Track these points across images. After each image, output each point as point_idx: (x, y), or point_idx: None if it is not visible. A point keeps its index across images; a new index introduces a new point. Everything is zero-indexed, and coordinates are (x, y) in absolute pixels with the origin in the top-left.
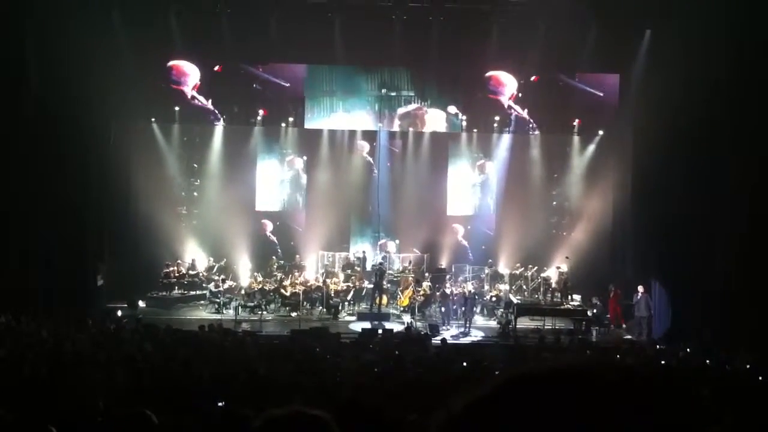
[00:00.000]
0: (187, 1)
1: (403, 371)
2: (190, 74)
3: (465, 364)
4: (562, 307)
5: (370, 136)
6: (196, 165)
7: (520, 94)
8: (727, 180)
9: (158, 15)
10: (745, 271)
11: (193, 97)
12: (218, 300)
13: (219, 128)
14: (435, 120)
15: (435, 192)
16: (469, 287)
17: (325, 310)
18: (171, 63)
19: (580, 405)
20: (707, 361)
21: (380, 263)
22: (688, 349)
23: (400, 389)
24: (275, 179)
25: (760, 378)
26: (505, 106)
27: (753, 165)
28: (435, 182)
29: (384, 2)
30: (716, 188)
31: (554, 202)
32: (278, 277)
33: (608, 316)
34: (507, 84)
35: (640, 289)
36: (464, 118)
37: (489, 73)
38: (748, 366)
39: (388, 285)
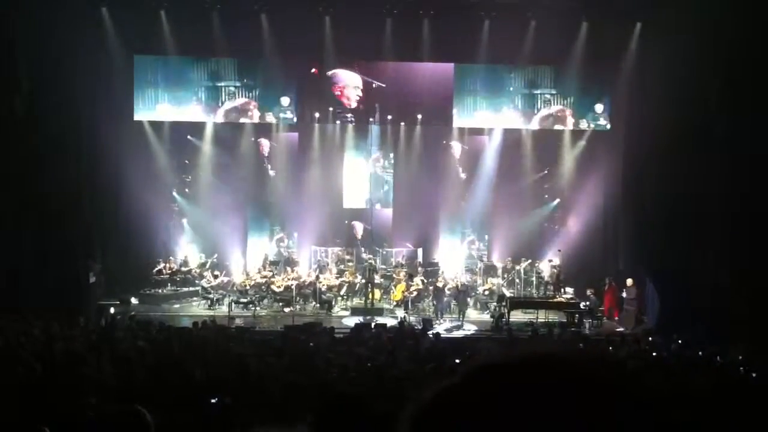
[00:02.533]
0: None
1: (396, 366)
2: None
3: (457, 360)
4: (555, 300)
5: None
6: (187, 161)
7: None
8: (719, 174)
9: (147, 10)
10: (737, 265)
11: None
12: (211, 296)
13: (209, 124)
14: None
15: (427, 186)
16: (462, 280)
17: (318, 305)
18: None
19: (548, 392)
20: (699, 353)
21: (369, 259)
22: (679, 341)
23: (394, 383)
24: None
25: (751, 370)
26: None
27: (745, 159)
28: (426, 176)
29: None
30: (708, 182)
31: (546, 196)
32: (271, 274)
33: (602, 308)
34: None
35: (629, 282)
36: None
37: None
38: (740, 357)
39: (381, 280)
